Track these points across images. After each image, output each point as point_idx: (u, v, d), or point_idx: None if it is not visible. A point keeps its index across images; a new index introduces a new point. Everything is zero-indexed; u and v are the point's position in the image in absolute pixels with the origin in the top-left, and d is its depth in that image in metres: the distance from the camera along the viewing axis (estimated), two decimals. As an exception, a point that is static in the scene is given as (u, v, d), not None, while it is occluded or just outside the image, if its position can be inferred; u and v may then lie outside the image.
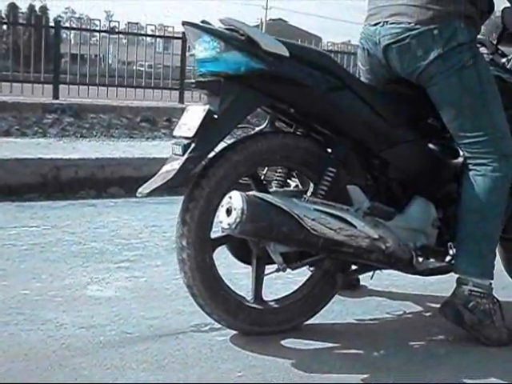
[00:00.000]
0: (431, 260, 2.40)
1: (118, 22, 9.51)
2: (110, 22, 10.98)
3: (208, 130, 2.00)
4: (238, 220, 1.96)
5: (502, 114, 2.31)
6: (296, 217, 2.04)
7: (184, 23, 2.11)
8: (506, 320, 2.33)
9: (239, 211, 1.96)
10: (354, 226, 2.14)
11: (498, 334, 2.29)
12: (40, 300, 2.45)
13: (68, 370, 1.88)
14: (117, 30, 9.72)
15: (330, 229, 2.09)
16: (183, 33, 9.28)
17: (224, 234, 2.12)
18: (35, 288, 2.58)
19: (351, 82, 2.22)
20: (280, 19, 52.22)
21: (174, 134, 2.11)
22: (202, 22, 2.11)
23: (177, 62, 10.17)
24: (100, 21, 9.63)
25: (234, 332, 2.22)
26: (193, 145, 1.99)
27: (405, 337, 2.36)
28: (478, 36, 2.53)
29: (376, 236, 2.18)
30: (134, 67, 10.59)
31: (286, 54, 2.04)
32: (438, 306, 2.39)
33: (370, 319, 2.51)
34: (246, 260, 2.28)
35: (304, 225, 2.04)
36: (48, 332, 2.15)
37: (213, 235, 2.14)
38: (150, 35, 10.50)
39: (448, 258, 2.42)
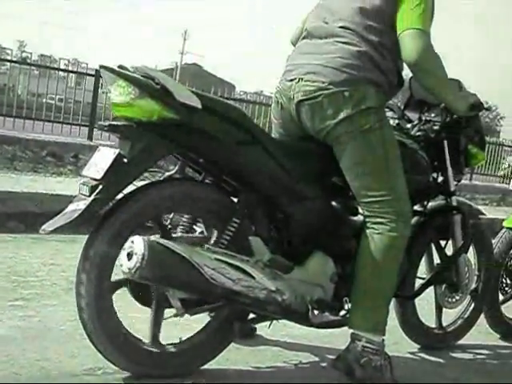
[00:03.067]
0: (326, 313, 2.47)
1: (31, 53, 9.32)
2: (22, 52, 10.69)
3: (116, 173, 2.04)
4: (137, 265, 1.99)
5: (402, 176, 2.44)
6: (196, 265, 2.09)
7: (101, 67, 2.14)
8: (395, 374, 2.41)
9: (140, 256, 1.99)
10: (253, 277, 2.20)
11: None
12: None
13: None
14: (29, 62, 9.52)
15: (229, 279, 2.14)
16: (96, 70, 9.23)
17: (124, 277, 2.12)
18: None
19: (261, 136, 2.30)
20: (195, 64, 52.63)
21: (83, 173, 2.13)
22: (119, 66, 2.14)
23: (88, 98, 10.02)
24: (12, 50, 9.39)
25: (128, 375, 2.22)
26: (100, 187, 2.02)
27: (290, 381, 2.42)
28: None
29: (273, 288, 2.24)
30: (44, 100, 10.37)
31: (199, 105, 2.10)
32: (332, 357, 2.45)
33: (265, 368, 2.55)
34: (145, 303, 2.29)
35: (203, 273, 2.09)
36: None
37: (113, 278, 2.15)
38: (62, 70, 10.34)
39: (343, 313, 2.50)
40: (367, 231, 2.40)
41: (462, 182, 3.13)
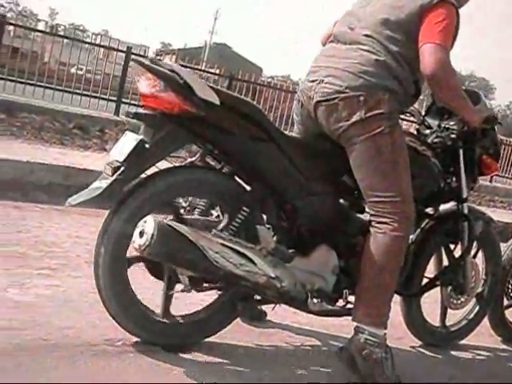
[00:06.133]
0: (325, 303, 2.65)
1: (65, 27, 9.51)
2: (53, 20, 10.87)
3: (137, 157, 2.30)
4: (147, 243, 2.25)
5: (409, 180, 2.64)
6: (201, 247, 2.34)
7: (132, 60, 2.42)
8: (396, 368, 2.62)
9: (149, 235, 2.25)
10: (255, 264, 2.41)
11: (386, 381, 2.58)
12: (-42, 299, 2.61)
13: (-19, 369, 2.07)
14: (60, 34, 9.69)
15: (231, 263, 2.39)
16: (128, 47, 9.40)
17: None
18: (-48, 286, 2.73)
19: (275, 134, 2.52)
20: (224, 44, 52.57)
21: (110, 154, 2.39)
22: (151, 60, 2.31)
23: (117, 71, 10.15)
24: (47, 22, 9.57)
25: (144, 347, 2.44)
26: (122, 168, 2.28)
27: (294, 365, 2.64)
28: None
29: (273, 275, 2.47)
30: (73, 70, 10.52)
31: (217, 101, 2.32)
32: (336, 345, 2.59)
33: (268, 346, 2.79)
34: (159, 277, 2.54)
35: (207, 256, 2.34)
36: (-37, 331, 2.33)
37: (129, 254, 2.41)
38: (93, 44, 10.51)
39: (342, 303, 2.70)
40: (371, 229, 2.61)
41: (483, 183, 3.23)
